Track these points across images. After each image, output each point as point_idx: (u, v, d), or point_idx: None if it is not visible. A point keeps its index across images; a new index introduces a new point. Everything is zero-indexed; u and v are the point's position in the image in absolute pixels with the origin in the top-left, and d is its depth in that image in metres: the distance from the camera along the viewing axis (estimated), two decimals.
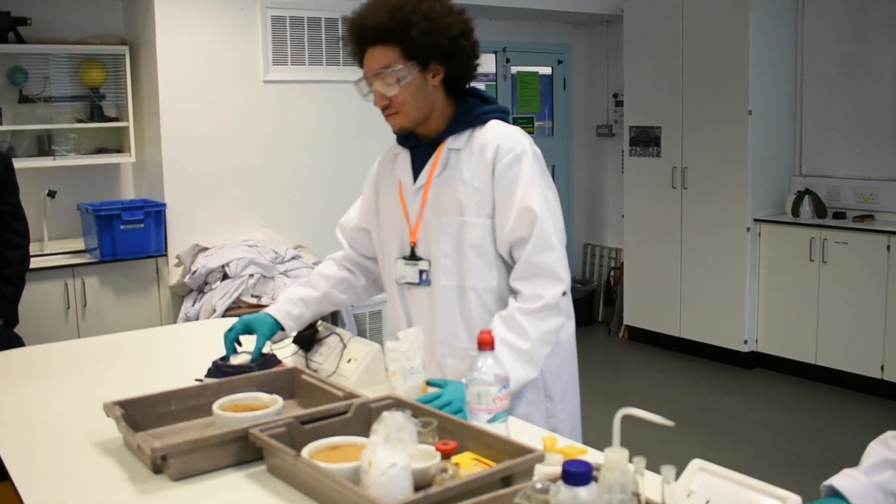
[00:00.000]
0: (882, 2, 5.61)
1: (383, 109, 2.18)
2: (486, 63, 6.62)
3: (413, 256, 2.25)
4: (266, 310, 2.39)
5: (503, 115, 2.24)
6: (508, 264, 2.18)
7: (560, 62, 7.57)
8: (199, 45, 5.13)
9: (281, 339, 2.39)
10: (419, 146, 2.26)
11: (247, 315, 2.36)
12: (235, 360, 2.23)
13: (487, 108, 2.23)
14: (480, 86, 7.67)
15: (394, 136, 2.32)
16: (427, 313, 2.24)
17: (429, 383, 2.04)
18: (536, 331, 2.06)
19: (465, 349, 2.18)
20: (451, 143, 2.20)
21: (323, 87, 5.52)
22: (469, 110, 2.21)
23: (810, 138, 6.07)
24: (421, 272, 2.23)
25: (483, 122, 2.20)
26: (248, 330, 2.32)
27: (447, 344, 2.22)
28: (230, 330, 2.31)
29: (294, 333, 2.40)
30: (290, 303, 2.40)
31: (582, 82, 7.70)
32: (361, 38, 2.14)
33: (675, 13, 6.10)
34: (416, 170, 2.27)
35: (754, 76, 5.74)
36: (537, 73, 7.44)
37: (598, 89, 7.62)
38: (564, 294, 2.10)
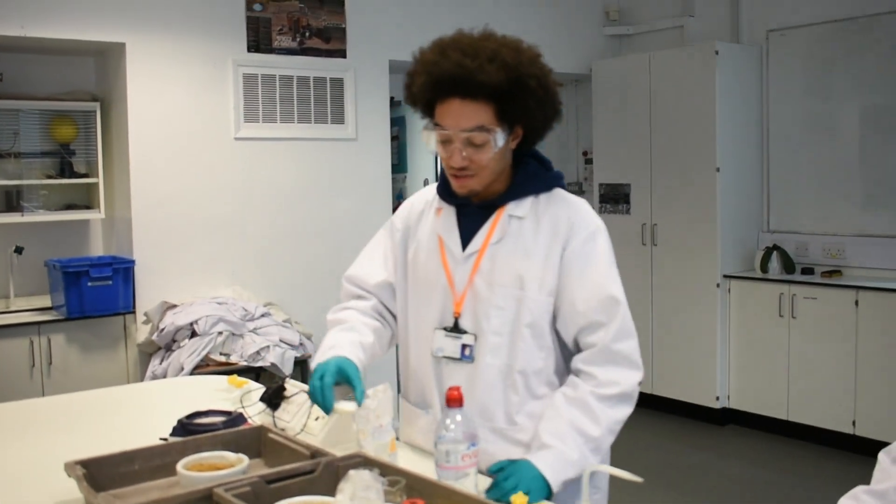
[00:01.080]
0: (846, 59, 5.73)
1: (457, 170, 1.98)
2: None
3: (456, 329, 2.05)
4: (337, 353, 2.04)
5: (563, 182, 2.11)
6: (560, 345, 2.06)
7: None
8: (171, 102, 5.14)
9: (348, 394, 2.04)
10: (469, 206, 2.07)
11: (329, 360, 2.00)
12: (342, 407, 1.92)
13: (552, 174, 2.09)
14: None
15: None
16: (466, 391, 1.92)
17: (492, 471, 1.88)
18: (608, 419, 1.93)
19: (501, 430, 2.04)
20: (513, 209, 2.03)
21: (294, 144, 5.54)
22: (533, 175, 2.06)
23: (777, 194, 6.15)
24: (464, 347, 2.03)
25: (548, 188, 2.06)
26: (341, 375, 1.97)
27: (485, 424, 2.03)
28: (320, 378, 1.94)
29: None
30: (354, 347, 2.08)
31: (552, 140, 7.74)
32: (455, 87, 1.91)
33: (643, 72, 6.20)
34: (464, 232, 2.07)
35: (721, 133, 5.83)
36: None
37: (569, 147, 7.70)
38: (639, 384, 1.99)
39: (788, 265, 5.81)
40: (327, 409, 1.92)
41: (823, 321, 5.46)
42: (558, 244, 2.00)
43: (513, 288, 2.00)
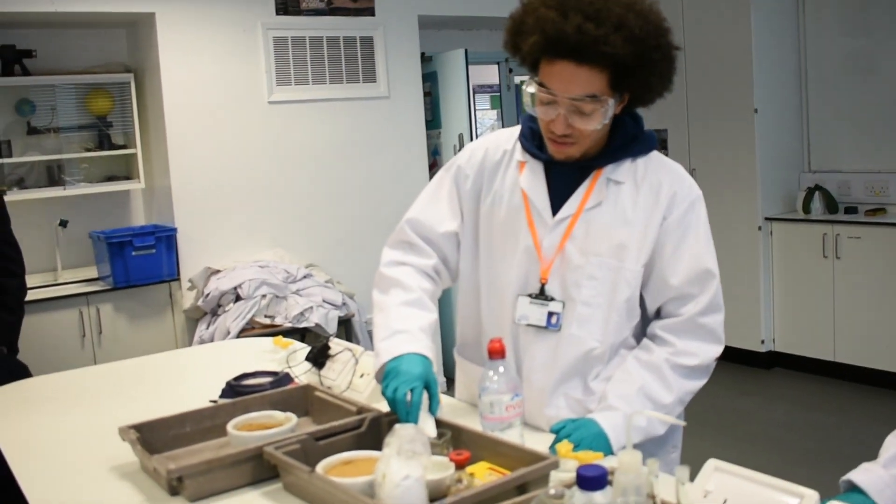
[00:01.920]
0: None
1: (559, 136, 1.84)
2: (489, 74, 6.63)
3: (543, 295, 1.92)
4: (413, 349, 1.86)
5: (657, 144, 1.98)
6: (643, 315, 1.97)
7: None
8: (203, 69, 5.16)
9: None
10: (559, 163, 1.91)
11: (407, 365, 1.81)
12: (426, 426, 1.74)
13: (650, 134, 1.95)
14: (485, 97, 7.67)
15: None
16: (547, 363, 1.93)
17: (553, 430, 1.82)
18: (680, 387, 1.88)
19: (578, 400, 1.95)
20: (611, 172, 1.90)
21: (327, 105, 5.54)
22: (632, 137, 1.91)
23: (818, 134, 6.05)
24: (551, 315, 1.90)
25: (646, 151, 1.93)
26: (426, 385, 1.80)
27: (560, 393, 1.95)
28: (409, 390, 1.76)
29: None
30: (426, 336, 1.91)
31: None
32: (573, 52, 1.73)
33: (676, 14, 6.10)
34: (553, 192, 1.93)
35: (758, 74, 5.74)
36: None
37: None
38: (716, 358, 1.92)
39: (831, 205, 5.73)
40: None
41: (868, 260, 5.39)
42: (659, 213, 1.88)
43: (610, 258, 1.88)
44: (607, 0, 1.74)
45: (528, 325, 1.93)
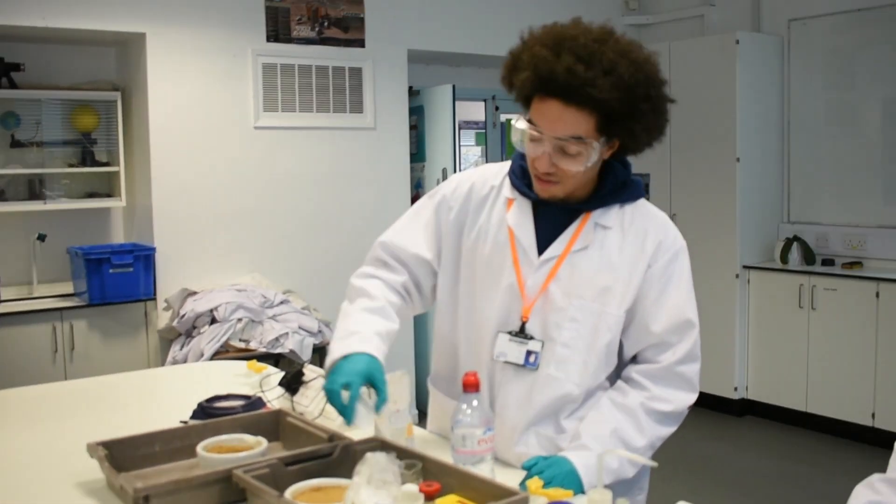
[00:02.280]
0: (867, 49, 5.69)
1: (542, 174, 1.85)
2: (476, 110, 6.67)
3: (523, 334, 1.92)
4: (361, 348, 1.87)
5: (642, 188, 1.99)
6: (618, 360, 1.98)
7: None
8: (191, 92, 5.17)
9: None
10: (548, 203, 1.93)
11: (354, 358, 1.85)
12: (362, 423, 1.81)
13: (637, 182, 1.96)
14: (470, 133, 7.66)
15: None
16: (522, 402, 1.93)
17: (525, 467, 1.83)
18: (653, 433, 1.89)
19: (550, 438, 1.95)
20: (600, 217, 1.91)
21: (313, 133, 5.55)
22: (621, 184, 1.93)
23: (798, 185, 6.12)
24: (529, 353, 1.91)
25: (634, 198, 1.95)
26: (366, 381, 1.83)
27: (532, 431, 1.95)
28: (344, 386, 1.78)
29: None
30: (380, 340, 1.91)
31: None
32: (561, 91, 1.75)
33: (663, 62, 6.12)
34: (541, 232, 1.93)
35: (741, 124, 5.81)
36: None
37: None
38: (690, 406, 1.93)
39: (809, 256, 5.79)
40: (348, 421, 1.78)
41: (844, 313, 5.43)
42: (644, 261, 1.90)
43: (593, 302, 1.89)
44: (603, 44, 1.76)
45: (506, 362, 1.93)
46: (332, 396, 1.79)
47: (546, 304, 1.91)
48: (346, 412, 1.77)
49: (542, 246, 1.93)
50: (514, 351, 1.92)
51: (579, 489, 1.80)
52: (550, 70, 1.75)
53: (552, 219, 1.93)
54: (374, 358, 1.86)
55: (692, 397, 1.93)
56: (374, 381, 1.82)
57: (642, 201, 1.98)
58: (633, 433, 1.88)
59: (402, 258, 2.08)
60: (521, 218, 1.95)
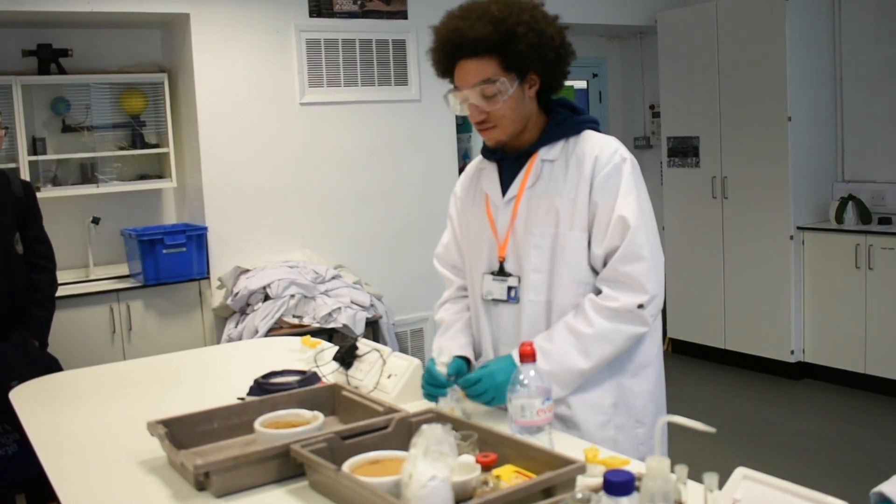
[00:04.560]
0: None
1: (479, 124, 2.11)
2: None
3: (502, 272, 2.16)
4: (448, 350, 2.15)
5: (595, 125, 2.17)
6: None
7: (595, 75, 7.55)
8: (236, 70, 5.19)
9: None
10: (507, 158, 2.18)
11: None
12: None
13: (581, 118, 2.16)
14: None
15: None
16: (513, 330, 2.14)
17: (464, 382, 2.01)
18: (601, 325, 2.00)
19: None
20: (545, 153, 2.12)
21: (359, 107, 5.56)
22: (562, 121, 2.14)
23: (852, 143, 5.99)
24: (510, 289, 2.14)
25: (577, 132, 2.13)
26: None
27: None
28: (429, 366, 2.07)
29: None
30: (464, 345, 2.23)
31: (618, 95, 7.67)
32: (456, 49, 2.04)
33: (710, 21, 6.07)
34: (505, 183, 2.19)
35: (792, 82, 5.69)
36: (573, 87, 7.43)
37: (635, 101, 7.59)
38: (642, 307, 2.00)
39: (865, 215, 5.67)
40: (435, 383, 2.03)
41: None
42: (585, 180, 2.06)
43: (548, 226, 2.08)
44: (478, 1, 2.05)
45: (494, 299, 2.17)
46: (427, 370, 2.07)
47: (515, 241, 2.14)
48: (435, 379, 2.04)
49: (507, 192, 2.18)
50: (498, 288, 2.16)
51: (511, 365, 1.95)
52: (442, 35, 2.07)
53: (512, 169, 2.18)
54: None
55: (638, 297, 2.00)
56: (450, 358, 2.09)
57: (587, 132, 2.14)
58: (580, 324, 2.02)
59: (452, 263, 2.39)
60: (489, 177, 2.23)
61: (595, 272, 2.08)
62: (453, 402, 2.02)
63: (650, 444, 2.11)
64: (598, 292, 2.06)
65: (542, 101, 2.13)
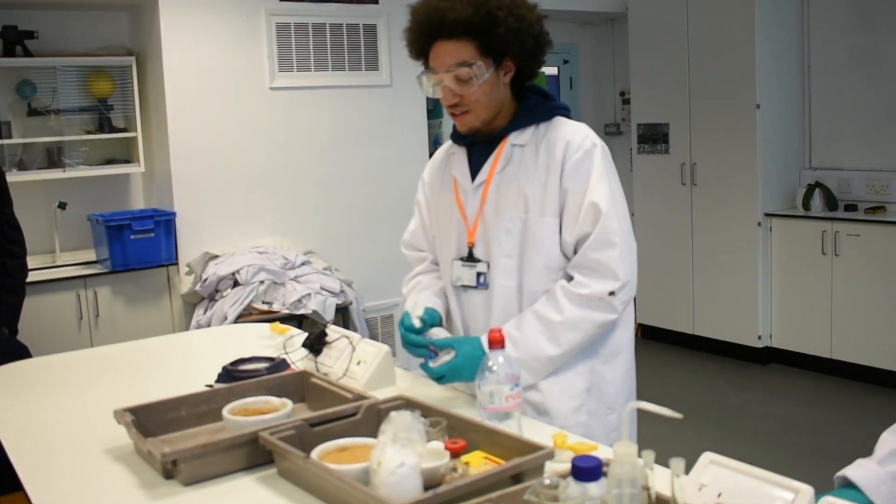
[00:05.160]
0: None
1: (451, 107, 2.07)
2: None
3: (471, 258, 2.15)
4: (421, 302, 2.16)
5: (566, 112, 2.16)
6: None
7: (566, 62, 7.56)
8: (205, 54, 5.15)
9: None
10: (477, 143, 2.16)
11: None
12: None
13: (552, 104, 2.15)
14: None
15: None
16: (483, 316, 2.13)
17: (437, 344, 2.01)
18: (571, 313, 1.98)
19: None
20: (515, 138, 2.10)
21: (329, 92, 5.53)
22: (534, 106, 2.12)
23: (819, 131, 6.04)
24: (479, 275, 2.13)
25: (548, 118, 2.12)
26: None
27: None
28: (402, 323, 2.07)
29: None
30: (433, 296, 2.23)
31: (589, 81, 7.69)
32: (434, 30, 2.01)
33: (680, 9, 6.09)
34: (474, 168, 2.17)
35: (761, 70, 5.72)
36: (543, 73, 7.42)
37: (605, 88, 7.61)
38: (613, 294, 1.99)
39: (831, 202, 5.73)
40: (414, 344, 2.03)
41: (867, 258, 5.39)
42: (556, 166, 2.04)
43: (518, 211, 2.06)
44: None
45: (463, 285, 2.16)
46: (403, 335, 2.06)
47: (485, 226, 2.12)
48: (412, 340, 2.04)
49: (476, 177, 2.17)
50: (467, 274, 2.15)
51: (479, 350, 1.98)
52: (420, 15, 2.04)
53: (482, 153, 2.15)
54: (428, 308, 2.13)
55: (610, 283, 1.99)
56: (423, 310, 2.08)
57: (558, 118, 2.12)
58: (549, 310, 2.01)
59: (418, 246, 2.39)
60: (459, 161, 2.21)
61: (566, 258, 2.07)
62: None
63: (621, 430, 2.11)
64: (569, 278, 2.04)
65: (515, 87, 2.11)
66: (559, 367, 2.05)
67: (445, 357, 1.99)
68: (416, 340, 2.03)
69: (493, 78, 2.03)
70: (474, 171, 2.16)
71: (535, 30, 2.03)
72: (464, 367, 1.97)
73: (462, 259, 2.16)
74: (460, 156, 2.21)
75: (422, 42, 2.06)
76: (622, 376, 2.14)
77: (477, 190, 2.14)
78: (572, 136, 2.06)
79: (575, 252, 2.05)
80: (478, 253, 2.14)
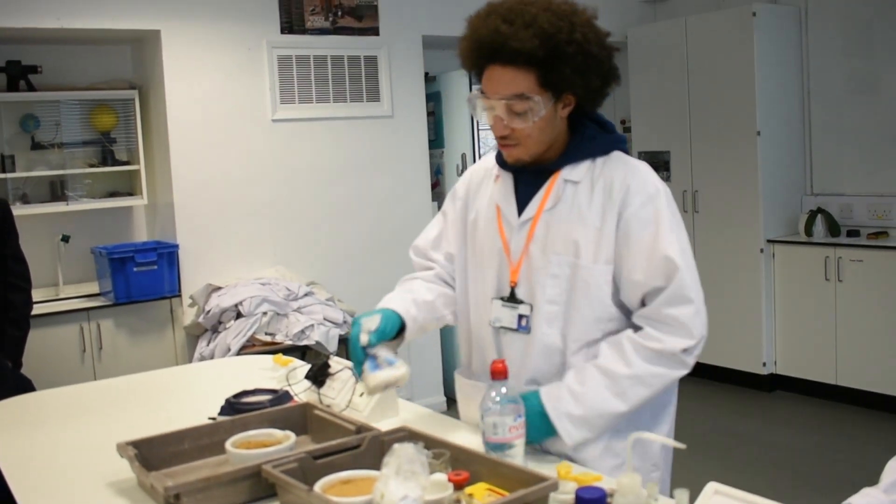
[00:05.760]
0: (887, 15, 5.61)
1: (501, 139, 1.93)
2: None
3: (513, 298, 1.98)
4: (386, 305, 2.06)
5: (625, 146, 2.00)
6: (621, 316, 1.95)
7: None
8: (207, 87, 5.17)
9: (398, 345, 2.04)
10: (525, 171, 1.99)
11: (365, 313, 2.01)
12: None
13: (611, 136, 1.99)
14: None
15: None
16: (520, 362, 1.96)
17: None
18: (640, 367, 1.84)
19: None
20: (568, 173, 1.94)
21: (331, 123, 5.55)
22: (590, 138, 1.96)
23: (820, 156, 6.06)
24: (521, 317, 1.96)
25: (605, 152, 1.96)
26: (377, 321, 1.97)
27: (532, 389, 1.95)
28: (356, 344, 1.94)
29: (409, 336, 2.08)
30: (407, 302, 2.07)
31: None
32: (492, 54, 1.84)
33: (679, 37, 6.12)
34: (521, 198, 1.99)
35: (761, 96, 5.75)
36: None
37: (606, 116, 7.61)
38: (686, 351, 1.87)
39: (833, 228, 5.73)
40: (357, 359, 1.93)
41: (870, 283, 5.38)
42: (614, 209, 1.89)
43: (567, 255, 1.91)
44: (527, 4, 1.85)
45: (502, 327, 1.99)
46: (352, 350, 1.95)
47: (529, 266, 1.96)
48: (356, 355, 1.93)
49: (523, 211, 2.00)
50: (507, 316, 1.98)
51: (545, 426, 1.86)
52: (480, 35, 1.85)
53: (530, 184, 1.99)
54: (387, 308, 2.03)
55: (686, 342, 1.87)
56: (379, 323, 1.96)
57: (616, 153, 1.97)
58: (615, 361, 1.86)
59: (429, 256, 2.23)
60: (504, 189, 2.03)
61: (617, 308, 1.93)
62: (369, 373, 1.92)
63: (665, 488, 2.01)
64: (634, 328, 1.91)
65: (570, 117, 1.96)
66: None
67: (392, 372, 1.91)
68: (356, 355, 1.93)
69: (551, 112, 1.88)
70: (520, 202, 2.00)
71: (604, 67, 1.90)
72: (528, 428, 1.77)
73: (503, 299, 1.99)
74: (505, 182, 2.04)
75: (475, 60, 1.90)
76: (667, 432, 2.03)
77: (524, 226, 1.97)
78: (633, 179, 1.90)
79: (641, 305, 1.91)
80: (521, 294, 1.97)
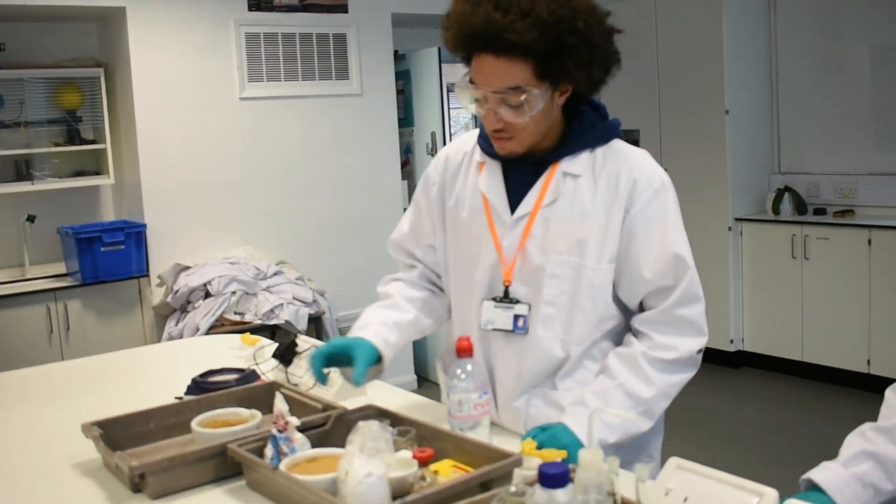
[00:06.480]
0: None
1: (494, 131, 1.78)
2: (463, 72, 6.65)
3: (507, 298, 1.86)
4: (360, 334, 1.92)
5: (620, 131, 1.89)
6: (620, 314, 1.88)
7: None
8: (174, 65, 5.12)
9: (378, 374, 1.95)
10: (516, 160, 1.85)
11: (337, 339, 1.93)
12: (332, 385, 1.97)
13: (609, 123, 1.88)
14: None
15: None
16: (515, 363, 1.87)
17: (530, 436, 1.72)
18: (662, 382, 1.79)
19: (557, 400, 1.88)
20: (567, 166, 1.82)
21: (299, 102, 5.52)
22: (589, 126, 1.84)
23: (788, 135, 6.10)
24: (517, 317, 1.84)
25: (605, 141, 1.84)
26: (342, 353, 1.88)
27: (537, 393, 1.89)
28: (317, 356, 1.87)
29: (388, 365, 1.95)
30: (385, 328, 1.94)
31: None
32: (484, 43, 1.68)
33: (649, 16, 6.13)
34: (512, 190, 1.86)
35: (729, 75, 5.78)
36: None
37: None
38: (700, 351, 1.82)
39: (800, 206, 5.79)
40: (320, 381, 1.89)
41: (836, 261, 5.44)
42: (620, 206, 1.79)
43: (569, 255, 1.80)
44: None
45: (495, 329, 1.87)
46: (311, 361, 1.88)
47: (526, 265, 1.84)
48: (319, 377, 1.87)
49: (516, 205, 1.86)
50: (501, 317, 1.86)
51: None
52: (470, 23, 1.68)
53: (523, 175, 1.86)
54: (363, 339, 1.90)
55: (699, 341, 1.82)
56: (353, 355, 1.86)
57: (616, 142, 1.86)
58: (639, 384, 1.78)
59: (409, 251, 2.10)
60: (491, 180, 1.89)
61: (616, 307, 1.87)
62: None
63: (650, 450, 2.01)
64: (636, 333, 1.85)
65: (566, 103, 1.82)
66: None
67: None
68: (317, 373, 1.86)
69: (548, 102, 1.74)
70: (512, 195, 1.86)
71: (607, 57, 1.78)
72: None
73: (495, 299, 1.87)
74: (493, 172, 1.89)
75: (463, 49, 1.75)
76: (659, 423, 1.98)
77: (519, 222, 1.84)
78: (639, 173, 1.80)
79: (641, 303, 1.84)
80: (515, 293, 1.86)
